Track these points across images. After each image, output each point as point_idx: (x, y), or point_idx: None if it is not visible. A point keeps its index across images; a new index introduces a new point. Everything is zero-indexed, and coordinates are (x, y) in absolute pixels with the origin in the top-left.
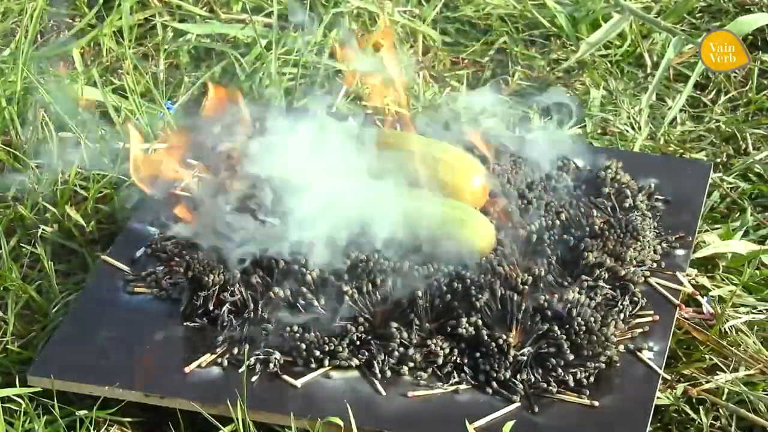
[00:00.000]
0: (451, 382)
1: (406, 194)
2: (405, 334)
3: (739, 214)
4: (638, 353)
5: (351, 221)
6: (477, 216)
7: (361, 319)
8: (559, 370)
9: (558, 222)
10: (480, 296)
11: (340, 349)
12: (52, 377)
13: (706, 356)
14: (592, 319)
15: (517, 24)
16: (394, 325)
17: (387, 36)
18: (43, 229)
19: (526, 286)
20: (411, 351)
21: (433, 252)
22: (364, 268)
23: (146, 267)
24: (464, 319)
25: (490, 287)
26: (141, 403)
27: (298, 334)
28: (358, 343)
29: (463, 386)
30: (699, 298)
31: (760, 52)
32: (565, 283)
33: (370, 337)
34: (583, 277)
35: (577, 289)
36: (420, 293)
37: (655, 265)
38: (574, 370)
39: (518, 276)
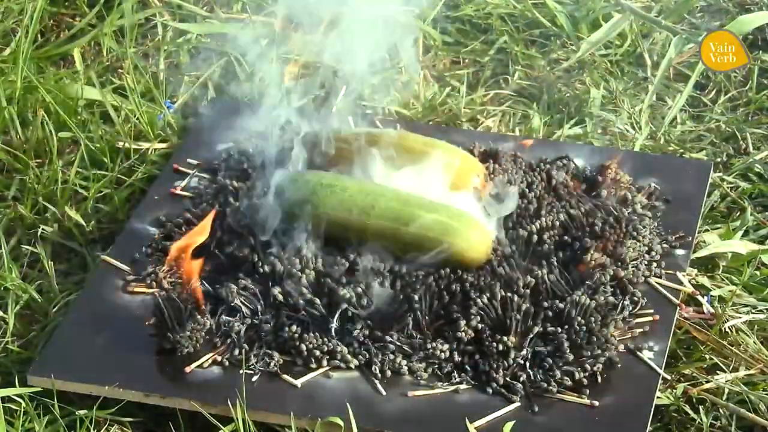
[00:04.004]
0: (451, 382)
1: (401, 199)
2: (404, 338)
3: (739, 214)
4: (638, 353)
5: (345, 223)
6: (473, 224)
7: (359, 322)
8: (559, 371)
9: (558, 222)
10: (480, 297)
11: (339, 348)
12: (52, 377)
13: (706, 356)
14: (592, 319)
15: (517, 24)
16: (394, 327)
17: None
18: (43, 229)
19: (527, 288)
20: (411, 353)
21: (426, 261)
22: (362, 270)
23: (146, 267)
24: (462, 322)
25: (489, 289)
26: (141, 403)
27: (297, 335)
28: (356, 344)
29: (463, 386)
30: (699, 297)
31: (760, 51)
32: (565, 284)
33: (368, 341)
34: (583, 277)
35: (578, 289)
36: (418, 296)
37: (655, 265)
38: (573, 371)
39: (519, 277)
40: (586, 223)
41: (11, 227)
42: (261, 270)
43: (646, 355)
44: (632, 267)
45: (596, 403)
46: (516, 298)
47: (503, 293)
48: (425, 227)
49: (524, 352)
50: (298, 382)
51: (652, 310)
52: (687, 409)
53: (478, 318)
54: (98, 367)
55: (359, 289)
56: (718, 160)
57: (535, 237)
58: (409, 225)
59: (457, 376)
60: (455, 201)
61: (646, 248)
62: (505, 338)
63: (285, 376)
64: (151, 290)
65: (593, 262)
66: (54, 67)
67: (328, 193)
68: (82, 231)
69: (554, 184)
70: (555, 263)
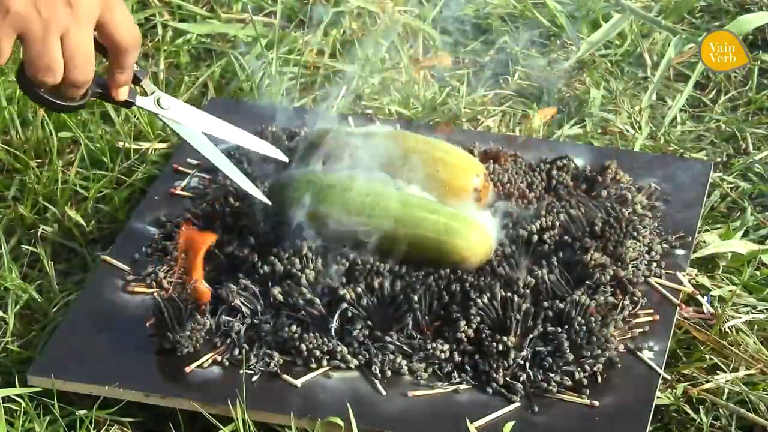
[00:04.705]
0: (451, 382)
1: (401, 200)
2: (404, 338)
3: (739, 214)
4: (638, 353)
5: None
6: (473, 225)
7: (359, 322)
8: (559, 371)
9: (558, 223)
10: (480, 297)
11: (339, 348)
12: (52, 377)
13: (706, 356)
14: (592, 319)
15: (517, 24)
16: (394, 327)
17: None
18: (43, 229)
19: (527, 288)
20: (411, 353)
21: (425, 262)
22: (362, 270)
23: (146, 267)
24: (462, 322)
25: (490, 289)
26: (141, 403)
27: (297, 335)
28: (356, 344)
29: (463, 386)
30: (699, 297)
31: (760, 51)
32: (565, 284)
33: (368, 341)
34: (583, 277)
35: (578, 290)
36: (417, 297)
37: (655, 265)
38: (573, 371)
39: (519, 277)
40: (587, 224)
41: (11, 227)
42: (261, 270)
43: (646, 355)
44: (632, 267)
45: (596, 403)
46: (516, 298)
47: (503, 293)
48: (425, 228)
49: (524, 352)
50: (298, 382)
51: (652, 310)
52: (687, 409)
53: (478, 318)
54: (98, 367)
55: (359, 289)
56: (718, 160)
57: (535, 237)
58: (409, 226)
59: (457, 376)
60: (455, 202)
61: (646, 248)
62: (505, 338)
63: (285, 376)
64: (151, 290)
65: (593, 262)
66: None
67: (328, 193)
68: (82, 231)
69: (554, 184)
70: (555, 263)
